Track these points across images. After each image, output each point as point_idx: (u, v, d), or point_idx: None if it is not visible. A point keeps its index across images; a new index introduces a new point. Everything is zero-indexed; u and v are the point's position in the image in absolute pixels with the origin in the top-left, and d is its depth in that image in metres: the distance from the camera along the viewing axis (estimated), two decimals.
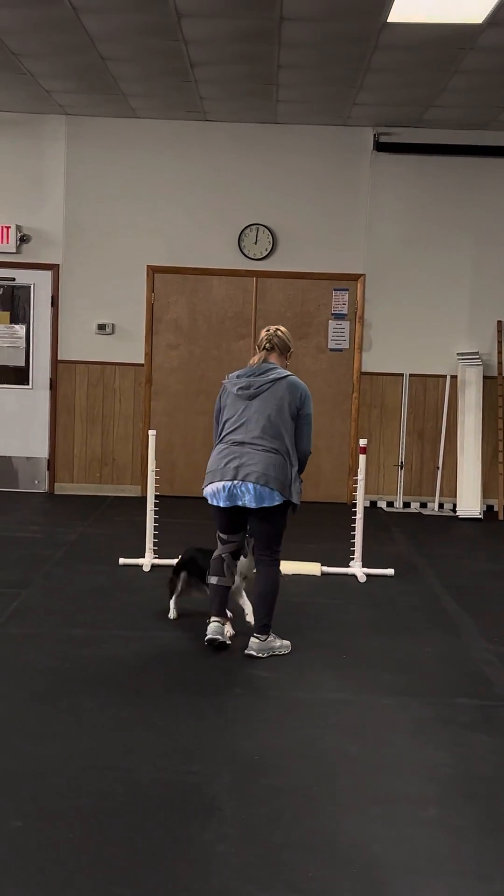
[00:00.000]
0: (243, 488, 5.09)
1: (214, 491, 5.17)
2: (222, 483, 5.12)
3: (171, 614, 5.81)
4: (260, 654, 5.20)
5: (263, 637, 5.24)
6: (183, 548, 6.02)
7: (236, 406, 5.22)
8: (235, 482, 5.09)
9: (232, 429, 5.20)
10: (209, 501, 5.23)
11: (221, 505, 5.16)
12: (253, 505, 5.10)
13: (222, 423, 5.28)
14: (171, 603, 5.85)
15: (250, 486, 5.07)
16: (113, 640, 5.42)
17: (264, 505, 5.10)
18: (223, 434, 5.25)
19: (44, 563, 7.14)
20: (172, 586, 5.86)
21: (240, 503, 5.12)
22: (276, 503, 5.11)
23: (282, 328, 5.43)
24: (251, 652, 5.21)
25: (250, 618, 5.46)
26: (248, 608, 5.53)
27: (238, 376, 5.28)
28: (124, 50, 7.53)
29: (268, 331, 5.38)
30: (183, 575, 5.78)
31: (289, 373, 5.29)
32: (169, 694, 4.66)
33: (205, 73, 8.07)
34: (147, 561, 7.06)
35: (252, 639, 5.24)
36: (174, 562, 6.06)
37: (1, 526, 8.44)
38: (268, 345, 5.32)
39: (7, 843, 3.26)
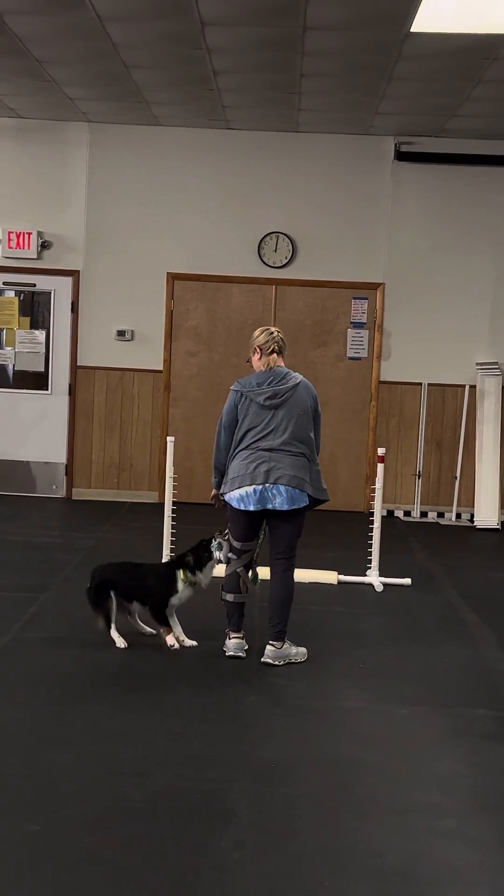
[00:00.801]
0: (274, 491, 5.11)
1: (243, 495, 5.16)
2: (252, 487, 5.12)
3: (121, 643, 5.32)
4: (276, 662, 5.19)
5: (279, 644, 5.23)
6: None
7: (261, 415, 5.21)
8: (266, 485, 5.11)
9: (258, 437, 5.19)
10: (235, 506, 5.21)
11: (251, 509, 5.14)
12: (285, 507, 5.11)
13: (243, 431, 5.24)
14: (114, 633, 5.35)
15: (282, 488, 5.10)
16: (129, 645, 5.41)
17: (295, 507, 5.13)
18: (248, 442, 5.22)
19: (62, 568, 7.15)
20: (105, 613, 5.36)
21: (269, 506, 5.12)
22: (305, 504, 5.18)
23: (279, 329, 5.44)
24: (267, 660, 5.20)
25: (184, 639, 5.42)
26: (178, 629, 5.43)
27: (259, 384, 5.26)
28: (148, 58, 7.57)
29: (271, 334, 5.32)
30: (113, 595, 5.36)
31: (301, 376, 5.35)
32: (185, 700, 4.66)
33: (227, 81, 8.10)
34: None
35: (268, 646, 5.23)
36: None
37: (19, 531, 8.47)
38: (276, 347, 5.31)
39: (23, 846, 3.26)
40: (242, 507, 5.17)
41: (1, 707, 4.47)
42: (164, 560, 6.62)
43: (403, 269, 9.93)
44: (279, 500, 5.11)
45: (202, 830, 3.40)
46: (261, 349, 5.32)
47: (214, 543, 5.33)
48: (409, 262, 9.93)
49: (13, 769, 3.83)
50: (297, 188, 9.90)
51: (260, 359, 5.32)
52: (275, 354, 5.31)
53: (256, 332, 5.38)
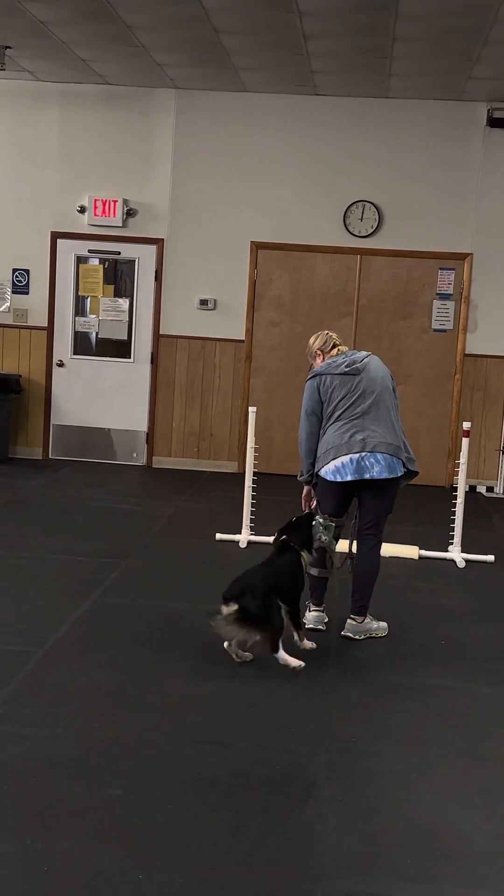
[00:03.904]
0: (372, 459, 5.02)
1: (339, 466, 5.06)
2: (349, 456, 5.03)
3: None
4: (356, 636, 5.15)
5: (360, 619, 5.19)
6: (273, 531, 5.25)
7: (347, 383, 5.15)
8: (363, 454, 5.02)
9: (349, 403, 5.13)
10: (329, 479, 5.09)
11: (349, 478, 5.04)
12: (384, 475, 5.03)
13: (334, 405, 5.15)
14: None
15: (379, 456, 5.03)
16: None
17: (393, 475, 5.06)
18: (339, 412, 5.14)
19: (142, 535, 7.21)
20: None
21: (367, 475, 5.03)
22: (401, 473, 5.11)
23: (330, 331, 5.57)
24: (347, 633, 5.16)
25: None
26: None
27: (332, 363, 5.23)
28: (238, 22, 7.47)
29: (327, 334, 5.42)
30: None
31: (367, 351, 5.39)
32: (265, 672, 4.64)
33: (317, 46, 7.96)
34: (244, 537, 7.07)
35: (349, 620, 5.19)
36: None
37: (101, 497, 8.56)
38: (336, 342, 5.38)
39: (104, 810, 3.29)
40: (339, 479, 5.06)
41: (84, 671, 4.52)
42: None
43: (493, 240, 9.69)
44: (377, 469, 5.02)
45: (283, 802, 3.40)
46: (322, 350, 5.36)
47: (319, 526, 5.00)
48: (499, 232, 9.68)
49: (96, 732, 3.87)
50: (385, 155, 9.71)
51: (324, 359, 5.34)
52: (337, 347, 5.35)
53: (311, 340, 5.44)
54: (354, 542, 5.27)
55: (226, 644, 4.65)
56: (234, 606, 4.48)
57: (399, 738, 4.01)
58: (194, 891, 2.88)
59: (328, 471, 5.11)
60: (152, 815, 3.27)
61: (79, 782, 3.46)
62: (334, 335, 5.43)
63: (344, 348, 5.37)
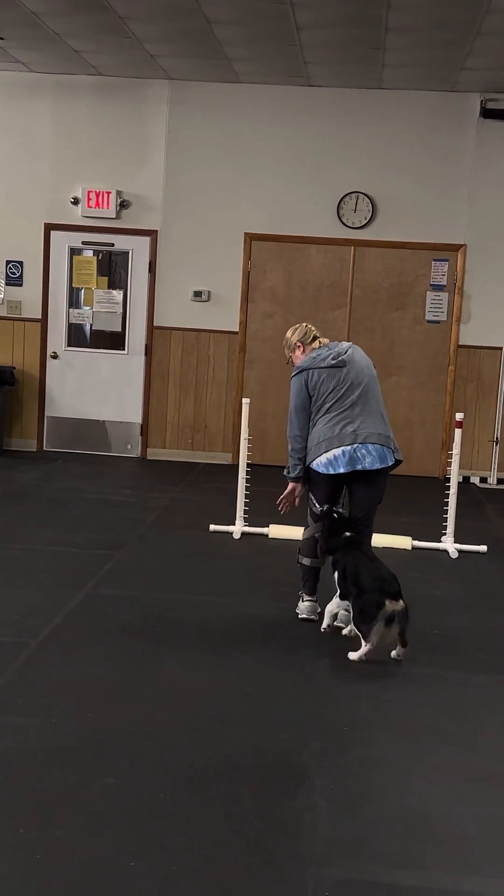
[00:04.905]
0: (363, 451, 5.04)
1: (332, 458, 5.06)
2: (341, 448, 5.04)
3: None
4: (349, 626, 5.16)
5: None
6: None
7: (334, 375, 5.16)
8: (355, 445, 5.04)
9: (338, 396, 5.13)
10: (322, 471, 5.08)
11: (341, 471, 5.04)
12: (377, 465, 5.05)
13: (322, 399, 5.15)
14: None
15: (371, 447, 5.05)
16: (203, 605, 5.46)
17: (384, 465, 5.08)
18: (329, 404, 5.14)
19: (136, 526, 7.23)
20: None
21: (359, 466, 5.04)
22: (392, 463, 5.14)
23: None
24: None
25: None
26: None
27: (317, 357, 5.23)
28: (230, 13, 7.46)
29: (306, 326, 5.42)
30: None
31: (349, 342, 5.41)
32: (258, 662, 4.67)
33: (311, 36, 7.95)
34: (237, 528, 7.09)
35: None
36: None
37: (95, 489, 8.57)
38: (315, 334, 5.39)
39: (97, 798, 3.31)
40: (331, 471, 5.06)
41: (78, 662, 4.54)
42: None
43: (486, 231, 9.70)
44: (369, 460, 5.04)
45: (275, 791, 3.42)
46: (303, 342, 5.36)
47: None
48: (492, 224, 9.69)
49: (90, 723, 3.89)
50: (379, 146, 9.71)
51: (304, 351, 5.33)
52: (318, 339, 5.37)
53: (289, 333, 5.43)
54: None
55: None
56: (402, 604, 4.69)
57: (391, 726, 4.03)
58: (187, 878, 2.90)
59: (320, 463, 5.10)
60: (145, 804, 3.29)
61: (73, 772, 3.49)
62: (312, 327, 5.43)
63: (325, 340, 5.38)
